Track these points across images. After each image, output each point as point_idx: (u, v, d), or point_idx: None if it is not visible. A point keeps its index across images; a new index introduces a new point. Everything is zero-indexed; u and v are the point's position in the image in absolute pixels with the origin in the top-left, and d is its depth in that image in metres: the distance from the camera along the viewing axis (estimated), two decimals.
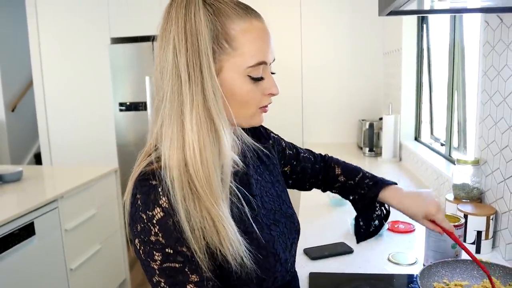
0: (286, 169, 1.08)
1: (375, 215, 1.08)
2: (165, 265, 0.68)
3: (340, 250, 1.34)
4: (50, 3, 3.84)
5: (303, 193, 1.80)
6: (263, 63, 0.75)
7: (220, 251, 0.69)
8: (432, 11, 1.32)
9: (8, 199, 2.14)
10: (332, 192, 1.14)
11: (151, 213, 0.67)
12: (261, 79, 0.75)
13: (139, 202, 0.69)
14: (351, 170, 1.11)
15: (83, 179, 2.38)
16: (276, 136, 1.06)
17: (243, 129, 0.90)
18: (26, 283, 1.91)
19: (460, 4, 1.21)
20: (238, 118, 0.77)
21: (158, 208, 0.67)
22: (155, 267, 0.68)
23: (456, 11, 1.45)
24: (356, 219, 1.10)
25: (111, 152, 3.85)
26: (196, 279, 0.68)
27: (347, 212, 1.70)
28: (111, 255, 2.71)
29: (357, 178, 1.08)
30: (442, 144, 2.31)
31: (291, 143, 1.12)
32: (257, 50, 0.73)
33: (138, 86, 3.67)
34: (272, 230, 0.82)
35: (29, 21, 3.90)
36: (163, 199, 0.67)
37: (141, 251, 0.69)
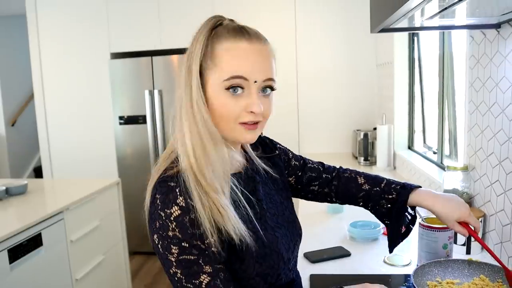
0: (291, 179, 1.13)
1: (405, 220, 1.09)
2: (181, 257, 0.76)
3: (338, 253, 1.42)
4: (51, 18, 3.94)
5: (302, 201, 1.87)
6: (239, 77, 0.81)
7: (225, 230, 0.78)
8: (422, 28, 1.41)
9: (15, 212, 2.20)
10: (355, 204, 1.14)
11: (169, 211, 0.76)
12: (240, 94, 0.82)
13: (158, 201, 0.78)
14: (374, 178, 1.13)
15: (86, 192, 2.44)
16: (283, 148, 1.13)
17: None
18: None
19: (447, 22, 1.31)
20: (221, 131, 0.85)
21: (175, 207, 0.76)
22: (172, 259, 0.76)
23: (444, 28, 1.55)
24: (388, 228, 1.11)
25: (111, 165, 3.91)
26: (209, 270, 0.76)
27: (344, 219, 1.78)
28: (114, 265, 2.76)
29: (382, 185, 1.10)
30: (434, 153, 2.40)
31: (300, 156, 1.17)
32: (234, 65, 0.81)
33: (137, 100, 3.75)
34: (276, 231, 0.90)
35: (30, 37, 3.98)
36: (180, 198, 0.76)
37: (159, 246, 0.77)
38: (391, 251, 1.13)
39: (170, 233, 0.76)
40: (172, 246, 0.76)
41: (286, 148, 1.15)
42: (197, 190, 0.77)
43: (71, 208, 2.27)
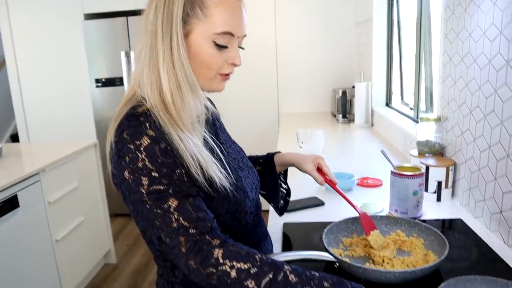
0: None
1: (280, 191, 1.23)
2: (151, 188, 0.75)
3: (312, 203, 1.44)
4: None
5: None
6: (229, 33, 0.83)
7: (208, 174, 0.80)
8: None
9: None
10: None
11: (138, 142, 0.75)
12: (225, 47, 0.84)
13: (125, 135, 0.76)
14: (250, 156, 1.25)
15: (63, 154, 2.41)
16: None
17: None
18: (13, 254, 1.97)
19: None
20: (200, 78, 0.86)
21: (145, 137, 0.76)
22: (143, 191, 0.75)
23: None
24: (268, 198, 1.24)
25: (90, 128, 3.86)
26: (179, 195, 0.76)
27: None
28: (95, 226, 2.77)
29: (255, 156, 1.25)
30: (411, 109, 2.42)
31: None
32: (225, 21, 0.82)
33: (113, 62, 3.66)
34: (239, 172, 0.94)
35: None
36: (150, 130, 0.76)
37: (130, 181, 0.76)
38: (280, 214, 1.25)
39: (140, 164, 0.75)
40: (142, 177, 0.75)
41: None
42: (174, 127, 0.78)
43: (48, 169, 2.25)
